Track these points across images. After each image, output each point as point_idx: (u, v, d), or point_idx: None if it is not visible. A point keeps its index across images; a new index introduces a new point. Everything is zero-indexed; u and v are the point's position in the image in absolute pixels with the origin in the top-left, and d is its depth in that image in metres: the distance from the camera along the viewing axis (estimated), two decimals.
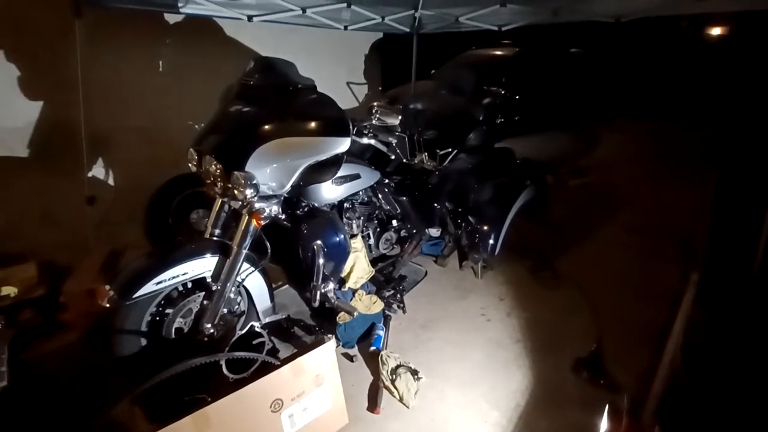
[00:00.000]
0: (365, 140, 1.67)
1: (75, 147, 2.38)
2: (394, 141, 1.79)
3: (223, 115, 1.42)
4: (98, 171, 2.97)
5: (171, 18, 2.67)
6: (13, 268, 2.05)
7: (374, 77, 4.09)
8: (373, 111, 1.59)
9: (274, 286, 1.67)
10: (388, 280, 2.23)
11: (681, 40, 6.26)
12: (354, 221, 1.83)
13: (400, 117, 1.64)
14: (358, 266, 1.91)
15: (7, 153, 2.72)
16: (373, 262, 2.11)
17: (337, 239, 1.58)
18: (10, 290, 1.91)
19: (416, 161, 2.32)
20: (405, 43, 3.79)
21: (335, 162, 1.46)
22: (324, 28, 3.15)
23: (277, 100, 1.37)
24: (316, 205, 1.64)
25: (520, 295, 2.25)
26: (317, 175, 1.45)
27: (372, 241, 2.07)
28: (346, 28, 3.31)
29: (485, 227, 2.05)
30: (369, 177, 1.84)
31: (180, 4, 2.48)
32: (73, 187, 2.46)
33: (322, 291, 1.55)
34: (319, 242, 1.47)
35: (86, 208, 2.41)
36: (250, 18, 2.81)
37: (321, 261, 1.51)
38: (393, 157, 2.08)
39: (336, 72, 3.59)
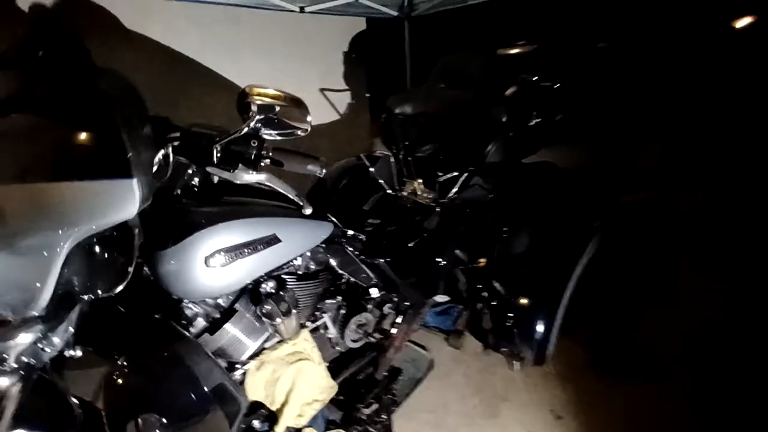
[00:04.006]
0: (249, 177, 0.85)
1: None
2: (318, 171, 1.01)
3: None
4: None
5: None
6: None
7: (358, 80, 3.43)
8: (251, 102, 0.82)
9: None
10: (366, 387, 1.45)
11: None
12: (283, 310, 1.05)
13: (309, 117, 0.90)
14: (303, 385, 1.15)
15: None
16: (339, 362, 1.35)
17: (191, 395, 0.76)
18: None
19: (406, 193, 1.58)
20: (396, 33, 3.13)
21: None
22: (269, 9, 2.45)
23: None
24: (183, 299, 0.89)
25: (589, 406, 1.43)
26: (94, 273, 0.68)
27: (332, 331, 1.30)
28: (302, 9, 2.62)
29: (524, 304, 1.25)
30: (306, 236, 1.08)
31: None
32: None
33: None
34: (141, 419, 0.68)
35: None
36: None
37: None
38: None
39: (304, 76, 2.90)
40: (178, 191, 0.90)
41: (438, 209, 1.52)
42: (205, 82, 2.39)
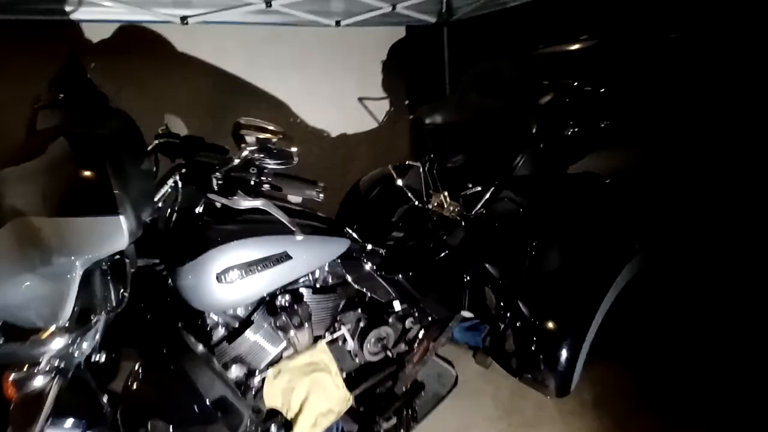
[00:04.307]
0: (246, 203, 0.87)
1: None
2: (316, 196, 1.02)
3: None
4: None
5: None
6: None
7: (397, 89, 3.43)
8: (243, 136, 0.86)
9: None
10: (387, 400, 1.45)
11: None
12: (296, 323, 1.08)
13: (294, 150, 0.91)
14: (318, 396, 1.18)
15: None
16: (359, 374, 1.36)
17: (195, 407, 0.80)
18: None
19: (432, 206, 1.56)
20: (435, 40, 3.10)
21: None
22: (305, 26, 2.55)
23: None
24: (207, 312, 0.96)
25: None
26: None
27: (351, 344, 1.31)
28: (337, 23, 2.69)
29: (550, 328, 1.17)
30: (318, 253, 1.10)
31: (69, 9, 2.06)
32: None
33: None
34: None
35: None
36: (183, 20, 2.17)
37: None
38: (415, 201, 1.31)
39: (342, 86, 2.98)
40: (200, 209, 0.98)
41: (463, 224, 1.48)
42: (251, 99, 2.56)
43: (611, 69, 1.67)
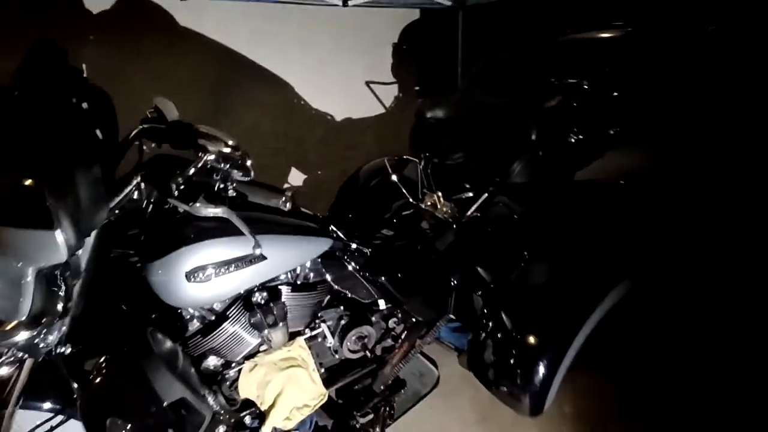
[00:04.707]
0: (207, 210, 0.82)
1: None
2: (283, 205, 1.00)
3: None
4: None
5: None
6: None
7: (407, 74, 3.32)
8: (203, 145, 0.82)
9: None
10: (366, 395, 1.47)
11: None
12: (270, 322, 1.09)
13: (251, 163, 0.88)
14: (293, 391, 1.19)
15: None
16: (339, 369, 1.37)
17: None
18: None
19: (425, 206, 1.52)
20: (449, 24, 2.98)
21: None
22: (312, 4, 2.45)
23: None
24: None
25: None
26: None
27: (330, 341, 1.32)
28: (345, 3, 2.59)
29: (530, 343, 1.15)
30: (295, 254, 1.09)
31: None
32: None
33: None
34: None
35: None
36: None
37: None
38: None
39: (349, 69, 2.90)
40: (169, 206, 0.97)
41: (454, 226, 1.45)
42: (253, 77, 2.51)
43: (642, 63, 1.51)
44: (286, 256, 1.06)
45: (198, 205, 0.77)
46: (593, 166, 1.40)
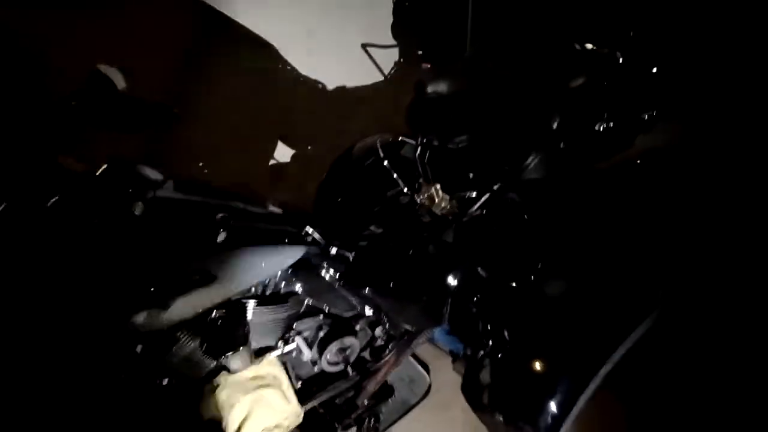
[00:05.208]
0: None
1: None
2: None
3: None
4: None
5: None
6: None
7: (409, 36, 2.98)
8: None
9: None
10: (348, 407, 1.34)
11: None
12: (231, 345, 0.92)
13: None
14: (262, 413, 1.05)
15: None
16: (316, 384, 1.23)
17: None
18: None
19: (421, 199, 1.33)
20: None
21: None
22: None
23: None
24: None
25: None
26: None
27: (307, 353, 1.17)
28: None
29: (539, 370, 0.99)
30: (257, 269, 0.90)
31: None
32: None
33: None
34: None
35: None
36: None
37: None
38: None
39: (343, 29, 2.54)
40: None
41: (454, 225, 1.26)
42: (230, 38, 2.20)
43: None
44: (246, 272, 0.88)
45: None
46: (624, 160, 1.18)
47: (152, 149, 1.88)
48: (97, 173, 0.76)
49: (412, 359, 1.62)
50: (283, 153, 2.44)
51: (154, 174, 0.80)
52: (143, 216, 0.73)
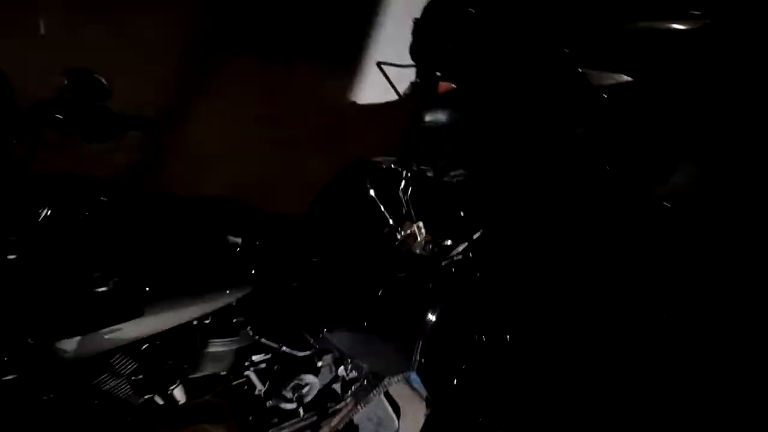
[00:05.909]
0: None
1: None
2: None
3: None
4: None
5: None
6: None
7: (431, 57, 2.91)
8: None
9: None
10: None
11: None
12: (153, 387, 0.85)
13: None
14: None
15: None
16: (266, 422, 1.16)
17: None
18: None
19: (402, 235, 1.25)
20: None
21: None
22: None
23: None
24: None
25: None
26: None
27: (261, 388, 1.10)
28: None
29: None
30: (190, 306, 0.83)
31: None
32: None
33: None
34: None
35: None
36: None
37: None
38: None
39: (356, 44, 2.50)
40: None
41: (433, 267, 1.18)
42: (234, 47, 2.16)
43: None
44: (176, 309, 0.82)
45: None
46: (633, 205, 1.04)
47: (149, 158, 1.88)
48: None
49: (383, 398, 1.53)
50: (284, 170, 2.41)
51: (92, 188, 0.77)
52: (75, 231, 0.70)
